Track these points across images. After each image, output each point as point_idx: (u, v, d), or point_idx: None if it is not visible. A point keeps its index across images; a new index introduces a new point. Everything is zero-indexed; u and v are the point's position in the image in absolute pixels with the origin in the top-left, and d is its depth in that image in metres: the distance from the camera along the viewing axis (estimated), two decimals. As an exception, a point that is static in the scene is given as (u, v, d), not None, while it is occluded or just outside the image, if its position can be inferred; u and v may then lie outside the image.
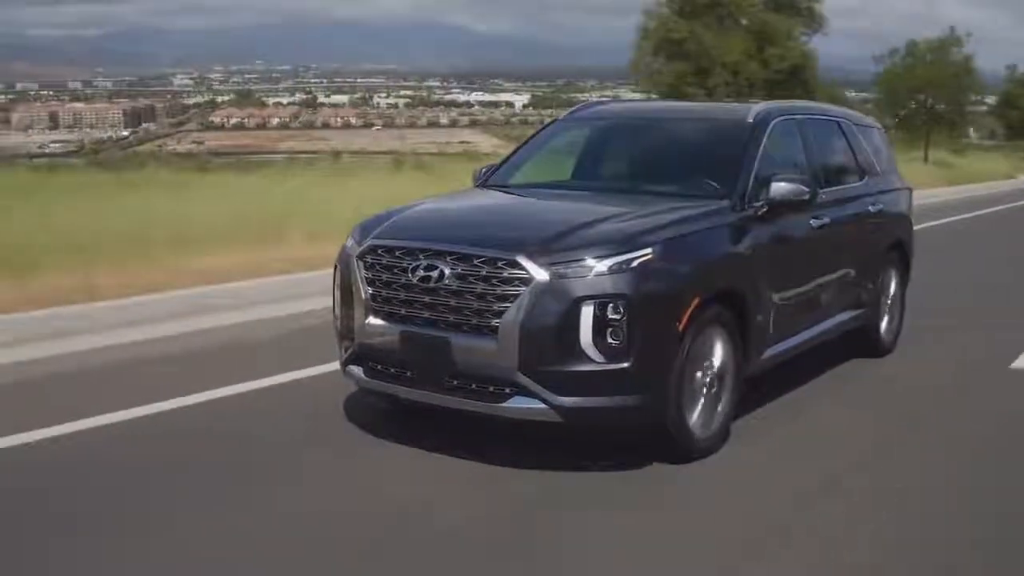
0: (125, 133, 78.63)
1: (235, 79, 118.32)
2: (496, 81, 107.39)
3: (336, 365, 5.53)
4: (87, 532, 4.06)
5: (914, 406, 6.27)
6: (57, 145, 74.94)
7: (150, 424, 5.47)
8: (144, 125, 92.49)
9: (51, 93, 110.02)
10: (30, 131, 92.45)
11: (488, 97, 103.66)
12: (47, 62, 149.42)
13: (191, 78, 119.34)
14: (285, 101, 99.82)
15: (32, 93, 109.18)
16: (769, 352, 5.73)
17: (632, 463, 4.94)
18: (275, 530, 4.13)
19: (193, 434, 5.36)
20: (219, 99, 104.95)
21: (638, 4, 35.53)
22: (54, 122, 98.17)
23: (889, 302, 7.58)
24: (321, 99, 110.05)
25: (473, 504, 4.47)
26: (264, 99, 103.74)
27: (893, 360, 7.44)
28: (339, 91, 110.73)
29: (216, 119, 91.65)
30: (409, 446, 5.13)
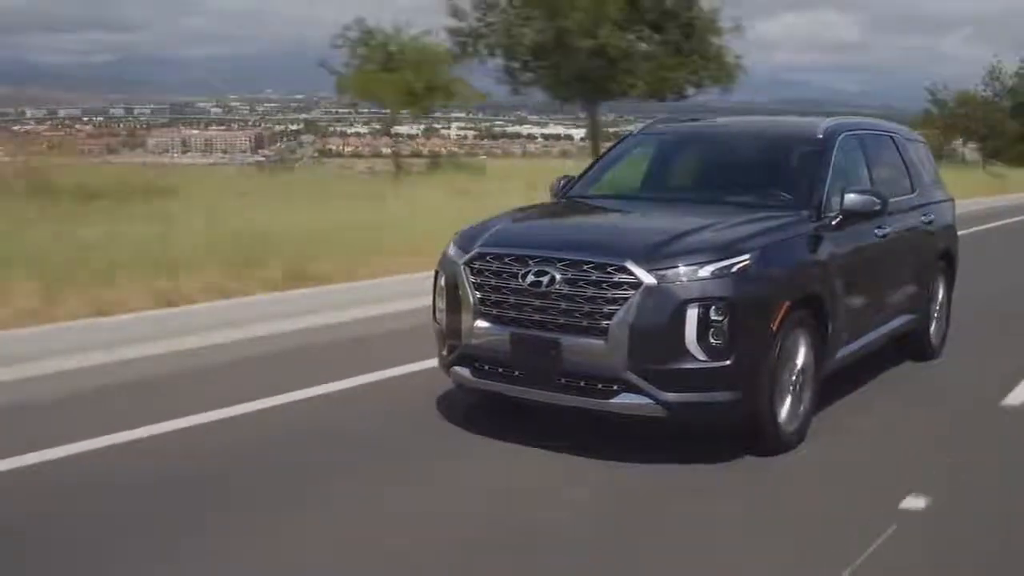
0: (260, 157, 78.25)
1: (261, 107, 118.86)
2: (519, 113, 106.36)
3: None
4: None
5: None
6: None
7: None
8: (260, 151, 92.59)
9: (101, 119, 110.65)
10: (166, 155, 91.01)
11: (547, 131, 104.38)
12: (54, 88, 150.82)
13: (215, 107, 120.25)
14: (363, 130, 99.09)
15: (84, 119, 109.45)
16: (842, 353, 6.12)
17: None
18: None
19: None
20: (292, 127, 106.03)
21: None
22: (186, 146, 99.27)
23: (937, 308, 7.96)
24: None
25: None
26: (343, 130, 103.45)
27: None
28: (380, 120, 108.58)
29: (332, 147, 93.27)
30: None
